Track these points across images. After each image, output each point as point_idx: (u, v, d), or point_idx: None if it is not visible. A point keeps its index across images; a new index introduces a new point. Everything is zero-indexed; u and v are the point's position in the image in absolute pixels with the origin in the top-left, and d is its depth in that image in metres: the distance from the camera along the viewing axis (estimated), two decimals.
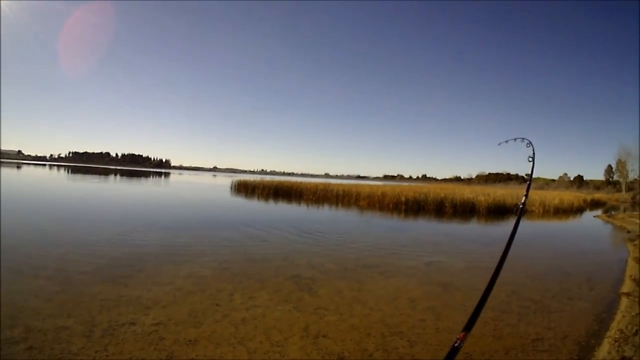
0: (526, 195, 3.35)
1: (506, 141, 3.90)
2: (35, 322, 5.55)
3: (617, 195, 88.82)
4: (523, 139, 3.72)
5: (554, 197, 40.12)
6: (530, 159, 3.56)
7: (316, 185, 40.73)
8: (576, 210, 39.17)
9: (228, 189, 47.07)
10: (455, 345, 2.13)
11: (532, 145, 3.61)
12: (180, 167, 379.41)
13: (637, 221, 26.73)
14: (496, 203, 32.15)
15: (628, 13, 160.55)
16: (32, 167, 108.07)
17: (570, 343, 5.92)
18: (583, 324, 6.85)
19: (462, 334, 2.20)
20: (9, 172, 60.85)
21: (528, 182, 3.56)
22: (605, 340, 6.03)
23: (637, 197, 76.44)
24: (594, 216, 34.83)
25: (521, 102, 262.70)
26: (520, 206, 3.26)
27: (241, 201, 32.55)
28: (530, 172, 3.57)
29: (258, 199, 35.32)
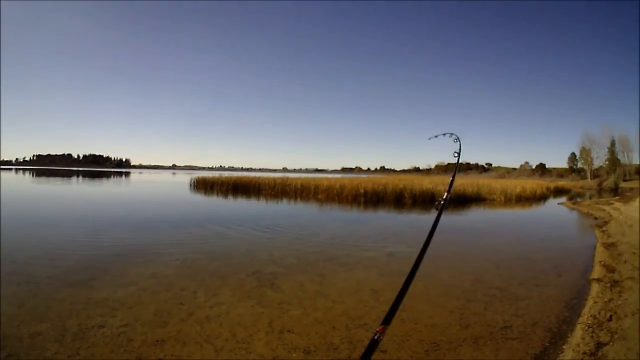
0: (448, 191, 3.44)
1: (435, 136, 4.02)
2: (10, 329, 5.63)
3: (582, 182, 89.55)
4: (451, 134, 3.83)
5: (516, 185, 40.47)
6: (456, 154, 3.67)
7: (274, 179, 40.73)
8: (539, 198, 39.45)
9: (187, 186, 47.02)
10: (375, 338, 2.11)
11: (460, 141, 3.72)
12: (140, 166, 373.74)
13: (605, 207, 26.88)
14: (456, 192, 32.21)
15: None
16: None
17: (540, 330, 6.01)
18: (553, 310, 6.95)
19: (381, 327, 2.20)
20: None
21: (452, 178, 3.63)
22: (578, 326, 6.11)
23: (604, 183, 77.92)
24: (558, 203, 35.16)
25: (480, 89, 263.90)
26: (442, 202, 3.31)
27: (201, 198, 32.64)
28: (455, 167, 3.70)
29: (217, 195, 35.39)
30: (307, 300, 7.28)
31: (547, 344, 5.53)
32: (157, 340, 5.41)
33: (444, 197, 3.32)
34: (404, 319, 6.24)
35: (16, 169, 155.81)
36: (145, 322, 6.06)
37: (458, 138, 3.76)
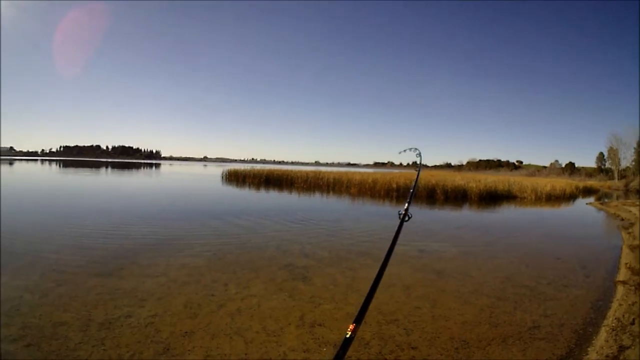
0: (409, 202, 3.50)
1: (404, 150, 4.53)
2: (32, 319, 5.54)
3: (609, 182, 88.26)
4: (415, 148, 4.34)
5: (546, 183, 40.02)
6: (417, 168, 4.16)
7: (307, 173, 40.62)
8: (569, 197, 38.74)
9: (219, 178, 46.97)
10: (347, 336, 2.08)
11: (420, 156, 4.27)
12: (171, 158, 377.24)
13: (631, 209, 26.46)
14: (488, 189, 31.99)
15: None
16: (24, 162, 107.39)
17: (567, 331, 5.91)
18: (579, 312, 6.82)
19: (353, 325, 2.14)
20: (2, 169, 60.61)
21: (412, 189, 3.81)
22: (603, 329, 6.00)
23: (630, 184, 76.73)
24: (586, 203, 34.41)
25: (513, 89, 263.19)
26: (402, 212, 3.37)
27: (232, 190, 32.47)
28: (415, 179, 4.04)
29: (249, 188, 35.19)
30: (339, 294, 7.16)
31: (572, 345, 5.46)
32: (186, 332, 5.32)
33: (405, 207, 3.45)
34: (435, 316, 6.19)
35: (42, 160, 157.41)
36: (174, 313, 5.96)
37: (420, 153, 4.39)
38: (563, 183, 45.76)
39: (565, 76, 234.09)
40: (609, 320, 6.32)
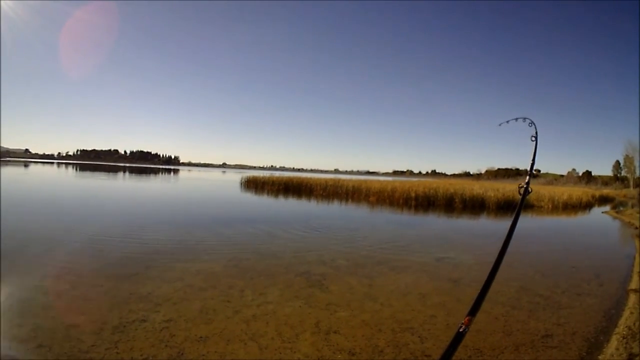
0: (530, 175, 3.20)
1: (507, 121, 3.64)
2: (44, 321, 5.52)
3: (625, 191, 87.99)
4: (525, 118, 3.48)
5: (563, 192, 39.96)
6: (533, 138, 3.36)
7: (326, 181, 40.61)
8: (585, 205, 38.79)
9: (237, 185, 47.07)
10: (460, 330, 2.11)
11: (535, 125, 3.39)
12: (190, 164, 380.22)
13: None
14: (505, 198, 31.77)
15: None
16: (39, 165, 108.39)
17: (579, 340, 5.91)
18: (592, 320, 6.82)
19: (467, 318, 2.17)
20: (16, 171, 61.12)
21: (531, 163, 3.32)
22: (614, 337, 6.01)
23: None
24: (602, 212, 34.49)
25: (528, 98, 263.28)
26: (524, 187, 3.11)
27: (251, 197, 32.47)
28: (533, 152, 3.35)
29: (268, 195, 35.19)
30: (355, 302, 7.12)
31: (584, 353, 5.47)
32: (201, 337, 5.27)
33: (527, 180, 3.12)
34: (450, 325, 6.15)
35: (58, 163, 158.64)
36: (189, 318, 5.92)
37: (533, 122, 3.43)
38: (580, 192, 45.83)
39: (583, 84, 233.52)
40: (620, 328, 6.36)
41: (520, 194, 3.10)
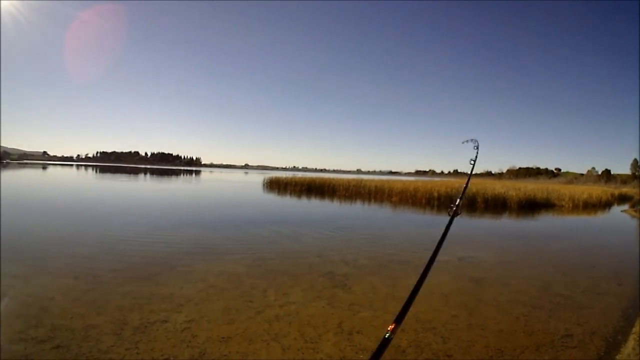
0: (461, 198, 3.23)
1: (466, 141, 3.93)
2: (63, 321, 5.51)
3: None
4: (473, 139, 3.81)
5: (583, 191, 40.10)
6: (472, 162, 3.63)
7: (348, 181, 40.65)
8: (604, 205, 38.74)
9: (260, 186, 47.09)
10: (386, 336, 2.08)
11: (478, 148, 3.74)
12: (211, 165, 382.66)
13: None
14: (527, 198, 31.89)
15: None
16: (58, 167, 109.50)
17: (598, 339, 5.92)
18: (611, 319, 6.84)
19: (393, 325, 2.13)
20: (34, 173, 62.11)
21: (465, 183, 3.54)
22: (631, 336, 6.04)
23: None
24: (621, 211, 34.51)
25: (548, 97, 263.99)
26: (454, 207, 3.13)
27: (273, 198, 32.48)
28: (470, 173, 3.63)
29: (290, 195, 35.19)
30: (378, 302, 7.10)
31: (602, 353, 5.50)
32: (223, 337, 5.25)
33: (456, 202, 3.19)
34: (471, 325, 6.16)
35: (77, 165, 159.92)
36: (211, 318, 5.90)
37: (477, 146, 3.82)
38: (599, 191, 45.80)
39: (603, 83, 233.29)
40: (637, 327, 6.42)
41: (449, 214, 3.13)
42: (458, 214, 3.05)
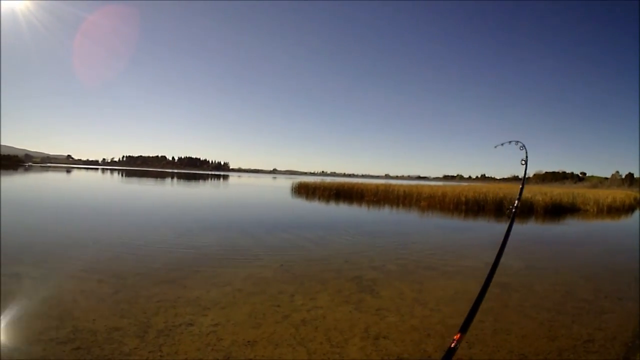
0: (519, 199, 3.40)
1: (502, 144, 4.05)
2: (85, 323, 5.47)
3: None
4: (517, 141, 3.80)
5: (607, 195, 39.83)
6: (523, 162, 3.68)
7: (377, 186, 40.41)
8: (628, 209, 38.67)
9: (288, 190, 46.94)
10: (452, 346, 2.11)
11: (525, 148, 3.77)
12: (239, 170, 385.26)
13: None
14: (553, 202, 31.84)
15: None
16: (83, 170, 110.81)
17: (618, 344, 5.89)
18: (631, 324, 6.85)
19: (458, 335, 2.16)
20: (58, 176, 63.08)
21: (521, 186, 3.68)
22: None
23: None
24: None
25: (571, 100, 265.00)
26: (513, 209, 3.30)
27: (302, 203, 32.45)
28: (523, 174, 3.70)
29: (319, 200, 35.16)
30: (405, 307, 7.04)
31: (621, 358, 5.51)
32: (249, 341, 5.22)
33: (515, 204, 3.39)
34: (496, 330, 6.15)
35: (102, 169, 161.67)
36: (237, 322, 5.87)
37: (524, 145, 3.88)
38: (622, 194, 45.12)
39: (625, 86, 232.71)
40: None
41: (508, 217, 3.30)
42: (515, 215, 3.02)
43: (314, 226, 17.68)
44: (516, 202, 3.01)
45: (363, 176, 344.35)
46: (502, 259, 9.97)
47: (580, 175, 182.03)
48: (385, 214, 26.20)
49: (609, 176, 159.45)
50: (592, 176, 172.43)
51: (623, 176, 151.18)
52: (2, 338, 4.95)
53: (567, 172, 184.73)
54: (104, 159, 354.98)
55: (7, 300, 6.24)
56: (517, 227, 21.98)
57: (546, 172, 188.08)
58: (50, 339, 4.88)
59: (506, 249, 11.11)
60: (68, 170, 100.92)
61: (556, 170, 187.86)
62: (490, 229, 20.82)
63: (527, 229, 21.74)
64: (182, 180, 77.41)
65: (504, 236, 2.74)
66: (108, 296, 6.73)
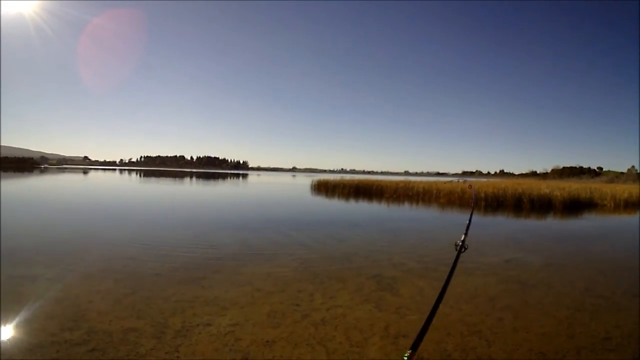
0: (465, 234, 3.29)
1: (450, 181, 3.64)
2: (100, 324, 5.43)
3: None
4: (465, 180, 3.49)
5: (624, 190, 39.68)
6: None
7: (396, 183, 40.40)
8: None
9: (308, 188, 46.83)
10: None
11: (473, 188, 3.46)
12: (259, 168, 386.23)
13: None
14: (571, 197, 31.65)
15: None
16: (100, 171, 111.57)
17: (634, 341, 5.86)
18: None
19: (409, 352, 1.88)
20: (74, 177, 63.70)
21: (469, 219, 3.67)
22: None
23: None
24: None
25: (588, 94, 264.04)
26: (459, 243, 3.11)
27: (322, 200, 32.39)
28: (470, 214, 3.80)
29: (338, 198, 35.04)
30: (425, 305, 6.91)
31: (637, 356, 5.48)
32: (268, 341, 5.17)
33: (462, 239, 3.18)
34: (516, 328, 6.12)
35: (120, 170, 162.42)
36: (256, 322, 5.82)
37: (471, 185, 3.37)
38: (637, 189, 44.42)
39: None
40: None
41: (456, 249, 3.10)
42: (465, 249, 3.04)
43: (334, 224, 17.68)
44: (463, 236, 3.01)
45: (382, 173, 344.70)
46: (521, 255, 9.93)
47: (597, 170, 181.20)
48: (405, 211, 26.19)
49: (624, 171, 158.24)
50: (609, 171, 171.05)
51: (639, 171, 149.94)
52: (16, 339, 4.93)
53: (584, 167, 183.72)
54: (121, 160, 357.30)
55: (22, 301, 6.24)
56: (536, 222, 22.26)
57: (564, 167, 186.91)
58: (64, 341, 4.85)
59: (525, 245, 11.10)
60: (85, 172, 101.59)
61: (574, 165, 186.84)
62: (509, 225, 20.76)
63: (545, 225, 21.73)
64: (200, 179, 77.91)
65: (448, 272, 2.60)
66: (124, 296, 6.68)
